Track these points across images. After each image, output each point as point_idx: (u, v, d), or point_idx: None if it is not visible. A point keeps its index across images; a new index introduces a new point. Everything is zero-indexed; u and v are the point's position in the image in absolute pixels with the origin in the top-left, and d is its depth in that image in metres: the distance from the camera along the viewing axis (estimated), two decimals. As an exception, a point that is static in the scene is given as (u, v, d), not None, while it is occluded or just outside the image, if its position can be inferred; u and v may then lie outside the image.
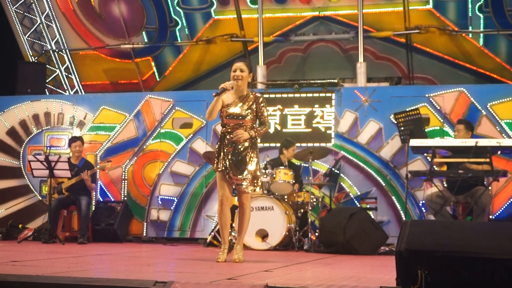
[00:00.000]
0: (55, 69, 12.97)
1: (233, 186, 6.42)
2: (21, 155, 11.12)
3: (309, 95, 10.18)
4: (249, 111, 6.32)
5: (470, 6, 11.28)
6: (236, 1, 11.90)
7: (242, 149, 6.30)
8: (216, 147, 6.47)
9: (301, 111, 10.17)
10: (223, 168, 6.30)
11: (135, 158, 10.69)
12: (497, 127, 9.45)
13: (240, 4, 11.95)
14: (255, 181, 6.35)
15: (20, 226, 10.27)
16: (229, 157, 6.30)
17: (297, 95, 10.22)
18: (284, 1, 11.90)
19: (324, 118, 10.08)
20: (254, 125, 6.40)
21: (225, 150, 6.32)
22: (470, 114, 9.49)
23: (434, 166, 8.47)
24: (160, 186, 10.55)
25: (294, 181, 9.02)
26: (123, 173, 10.67)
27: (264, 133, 6.47)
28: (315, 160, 9.56)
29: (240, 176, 6.28)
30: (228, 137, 6.34)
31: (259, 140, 9.67)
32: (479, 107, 9.54)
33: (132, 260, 6.61)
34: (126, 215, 10.38)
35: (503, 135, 9.36)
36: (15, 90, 11.74)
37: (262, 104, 6.36)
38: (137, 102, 10.84)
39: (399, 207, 9.61)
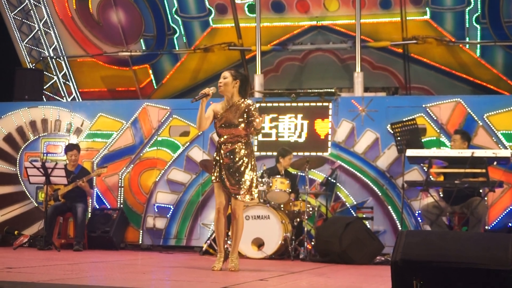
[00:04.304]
0: (52, 75, 12.97)
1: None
2: (17, 161, 11.10)
3: (306, 104, 10.20)
4: (242, 119, 6.32)
5: (467, 17, 11.32)
6: (234, 9, 11.93)
7: (238, 158, 6.30)
8: (214, 157, 6.47)
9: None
10: (220, 179, 6.31)
11: (132, 165, 10.68)
12: (493, 138, 9.46)
13: (238, 13, 11.98)
14: (252, 190, 6.34)
15: (16, 232, 10.26)
16: (226, 168, 6.29)
17: (294, 104, 10.24)
18: (282, 10, 11.93)
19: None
20: (248, 135, 6.38)
21: (222, 161, 6.32)
22: (467, 125, 9.51)
23: (431, 176, 8.48)
24: (156, 194, 10.54)
25: (290, 190, 9.02)
26: (120, 180, 10.66)
27: (260, 124, 6.25)
28: (312, 169, 9.57)
29: (237, 186, 6.27)
30: (223, 147, 6.35)
31: (255, 149, 9.74)
32: (476, 118, 9.56)
33: (128, 268, 6.60)
34: (122, 223, 10.36)
35: (500, 146, 9.37)
36: (13, 96, 11.74)
37: (254, 112, 6.31)
38: (134, 109, 10.85)
39: (395, 217, 9.61)
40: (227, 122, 6.33)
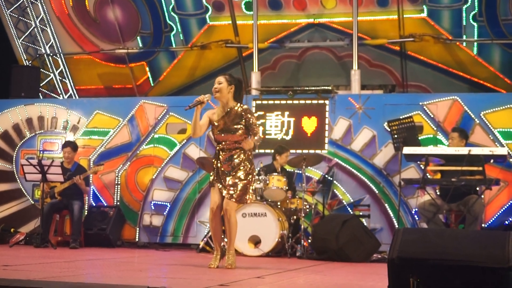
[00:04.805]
0: (49, 73, 12.95)
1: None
2: (14, 159, 11.08)
3: (303, 102, 10.19)
4: (239, 125, 6.30)
5: (464, 15, 11.32)
6: (231, 7, 11.91)
7: (237, 164, 6.29)
8: (213, 162, 6.46)
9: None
10: (219, 185, 6.31)
11: (129, 163, 10.67)
12: (490, 136, 9.47)
13: (235, 10, 11.96)
14: (247, 193, 6.32)
15: (12, 230, 10.25)
16: (225, 174, 6.29)
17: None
18: (279, 7, 11.92)
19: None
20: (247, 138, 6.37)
21: (220, 167, 6.32)
22: (464, 123, 9.51)
23: (427, 174, 8.49)
24: (153, 191, 10.53)
25: (287, 188, 9.02)
26: (116, 178, 10.65)
27: (258, 142, 6.39)
28: (309, 167, 9.56)
29: (233, 188, 6.25)
30: (222, 153, 6.34)
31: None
32: (473, 116, 9.56)
33: (124, 265, 6.60)
34: (118, 220, 10.35)
35: (496, 143, 9.38)
36: (9, 93, 11.72)
37: (249, 116, 6.30)
38: (131, 107, 10.83)
39: (392, 215, 9.62)
40: (225, 128, 6.32)
